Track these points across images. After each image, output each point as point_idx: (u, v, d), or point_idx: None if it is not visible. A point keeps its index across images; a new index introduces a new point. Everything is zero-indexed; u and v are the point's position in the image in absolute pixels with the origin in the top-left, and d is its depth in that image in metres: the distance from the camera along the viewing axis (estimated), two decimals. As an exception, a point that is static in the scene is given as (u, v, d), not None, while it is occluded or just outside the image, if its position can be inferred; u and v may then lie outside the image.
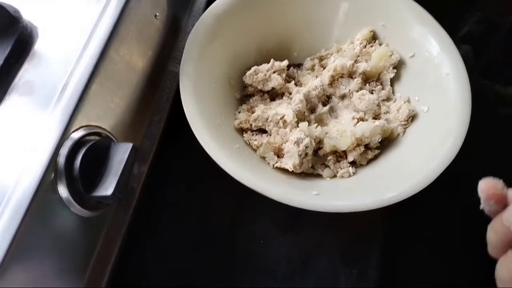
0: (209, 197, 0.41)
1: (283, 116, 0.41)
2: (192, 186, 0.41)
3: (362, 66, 0.44)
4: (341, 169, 0.40)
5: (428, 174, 0.35)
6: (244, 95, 0.45)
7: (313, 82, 0.43)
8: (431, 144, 0.38)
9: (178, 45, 0.42)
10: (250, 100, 0.45)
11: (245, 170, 0.36)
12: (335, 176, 0.40)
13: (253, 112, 0.43)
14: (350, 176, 0.39)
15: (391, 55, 0.43)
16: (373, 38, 0.46)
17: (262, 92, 0.45)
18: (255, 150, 0.41)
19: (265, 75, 0.43)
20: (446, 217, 0.42)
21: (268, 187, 0.35)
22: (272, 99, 0.45)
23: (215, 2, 0.43)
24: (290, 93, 0.44)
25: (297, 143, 0.38)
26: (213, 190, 0.41)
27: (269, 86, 0.44)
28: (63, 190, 0.29)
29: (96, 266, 0.32)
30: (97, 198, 0.30)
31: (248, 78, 0.44)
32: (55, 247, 0.29)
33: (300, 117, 0.41)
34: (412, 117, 0.42)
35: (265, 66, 0.44)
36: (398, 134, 0.41)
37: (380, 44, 0.45)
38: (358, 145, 0.40)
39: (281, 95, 0.45)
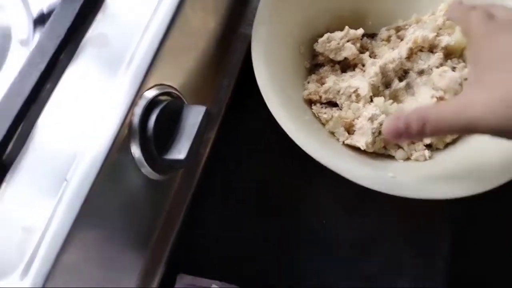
0: (274, 167, 0.39)
1: (356, 89, 0.38)
2: (258, 155, 0.40)
3: (444, 40, 0.40)
4: (415, 151, 0.37)
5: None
6: (314, 64, 0.43)
7: (390, 54, 0.40)
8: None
9: (250, 5, 0.40)
10: (320, 70, 0.42)
11: (315, 144, 0.34)
12: (408, 158, 0.38)
13: (323, 83, 0.40)
14: (425, 159, 0.37)
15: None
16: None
17: (333, 62, 0.42)
18: (323, 124, 0.39)
19: (338, 43, 0.41)
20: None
21: (339, 163, 0.33)
22: (343, 70, 0.42)
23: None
24: (363, 65, 0.41)
25: (371, 119, 0.36)
26: (280, 160, 0.39)
27: (341, 55, 0.41)
28: (135, 151, 0.28)
29: (162, 229, 0.31)
30: (169, 162, 0.29)
31: (320, 45, 0.41)
32: (124, 208, 0.29)
33: (375, 92, 0.39)
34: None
35: (338, 34, 0.41)
36: (481, 117, 0.38)
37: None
38: None
39: (353, 66, 0.42)
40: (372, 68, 0.39)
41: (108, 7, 0.32)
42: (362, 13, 0.45)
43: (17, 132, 0.27)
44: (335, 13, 0.43)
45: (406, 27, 0.43)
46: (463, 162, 0.36)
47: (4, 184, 0.26)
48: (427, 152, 0.37)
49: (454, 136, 0.38)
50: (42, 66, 0.29)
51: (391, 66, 0.39)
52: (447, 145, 0.38)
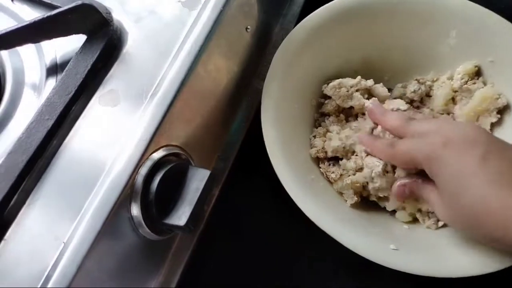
0: (277, 228, 0.39)
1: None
2: (261, 213, 0.39)
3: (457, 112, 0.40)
4: (428, 218, 0.36)
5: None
6: (321, 113, 0.42)
7: None
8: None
9: (264, 60, 0.40)
10: (326, 121, 0.42)
11: (318, 208, 0.34)
12: (414, 220, 0.37)
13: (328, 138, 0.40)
14: (437, 228, 0.36)
15: (497, 98, 0.39)
16: (477, 74, 0.41)
17: (338, 112, 0.42)
18: (331, 182, 0.38)
19: (348, 90, 0.40)
20: None
21: (343, 234, 0.33)
22: (347, 118, 0.42)
23: (309, 16, 0.40)
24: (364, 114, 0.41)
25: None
26: (283, 222, 0.38)
27: (348, 104, 0.40)
28: (136, 211, 0.28)
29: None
30: (168, 226, 0.28)
31: (329, 89, 0.40)
32: (119, 268, 0.29)
33: None
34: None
35: (350, 82, 0.40)
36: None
37: (484, 83, 0.40)
38: None
39: (355, 115, 0.42)
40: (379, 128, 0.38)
41: (123, 61, 0.32)
42: (379, 68, 0.44)
43: (20, 189, 0.28)
44: (352, 67, 0.43)
45: (423, 83, 0.42)
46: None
47: (2, 243, 0.26)
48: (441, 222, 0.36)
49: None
50: (50, 123, 0.29)
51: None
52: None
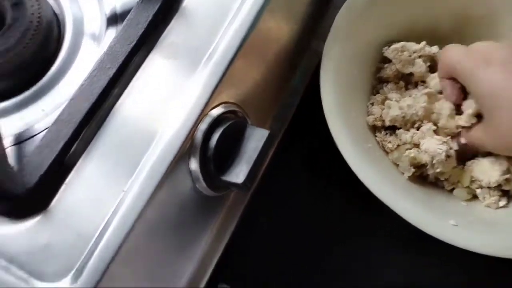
0: (328, 193, 0.38)
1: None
2: (313, 178, 0.38)
3: None
4: (489, 196, 0.34)
5: None
6: (379, 78, 0.40)
7: None
8: None
9: (325, 21, 0.38)
10: (385, 88, 0.40)
11: (376, 177, 0.32)
12: (475, 197, 0.35)
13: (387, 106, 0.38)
14: (497, 207, 0.34)
15: None
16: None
17: (397, 78, 0.40)
18: (387, 152, 0.37)
19: (410, 55, 0.38)
20: None
21: (399, 202, 0.32)
22: (406, 86, 0.40)
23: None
24: (425, 82, 0.39)
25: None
26: (334, 186, 0.38)
27: (409, 69, 0.38)
28: (194, 166, 0.28)
29: (211, 244, 0.31)
30: (225, 183, 0.28)
31: (391, 51, 0.38)
32: (176, 220, 0.29)
33: None
34: None
35: (413, 46, 0.38)
36: None
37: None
38: None
39: (415, 83, 0.39)
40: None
41: (183, 15, 0.32)
42: (447, 34, 0.41)
43: (80, 137, 0.28)
44: (417, 35, 0.40)
45: None
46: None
47: (63, 187, 0.26)
48: (503, 200, 0.34)
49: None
50: (111, 72, 0.28)
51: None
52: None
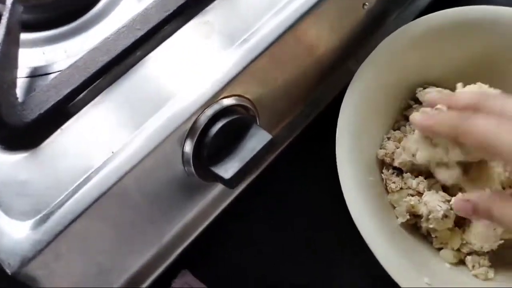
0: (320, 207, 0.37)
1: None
2: (309, 194, 0.38)
3: None
4: (479, 266, 0.33)
5: None
6: (405, 116, 0.39)
7: None
8: None
9: (368, 45, 0.37)
10: (407, 127, 0.38)
11: (368, 219, 0.32)
12: (461, 262, 0.33)
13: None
14: (485, 279, 0.32)
15: None
16: None
17: None
18: (388, 191, 0.36)
19: None
20: None
21: (383, 251, 0.31)
22: None
23: (432, 14, 0.36)
24: None
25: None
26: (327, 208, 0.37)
27: None
28: (188, 148, 0.28)
29: (184, 229, 0.31)
30: (213, 174, 0.28)
31: (424, 94, 0.37)
32: (155, 195, 0.29)
33: None
34: None
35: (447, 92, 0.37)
36: None
37: None
38: None
39: None
40: None
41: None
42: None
43: (91, 87, 0.28)
44: (452, 74, 0.38)
45: None
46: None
47: (58, 131, 0.27)
48: (491, 272, 0.32)
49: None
50: (139, 33, 0.28)
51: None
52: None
